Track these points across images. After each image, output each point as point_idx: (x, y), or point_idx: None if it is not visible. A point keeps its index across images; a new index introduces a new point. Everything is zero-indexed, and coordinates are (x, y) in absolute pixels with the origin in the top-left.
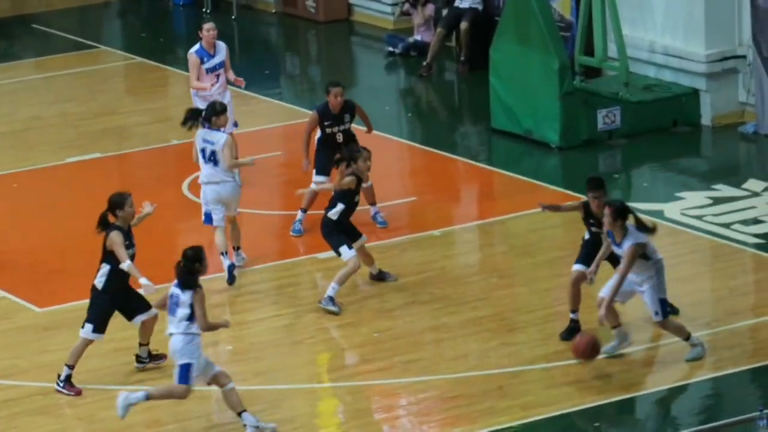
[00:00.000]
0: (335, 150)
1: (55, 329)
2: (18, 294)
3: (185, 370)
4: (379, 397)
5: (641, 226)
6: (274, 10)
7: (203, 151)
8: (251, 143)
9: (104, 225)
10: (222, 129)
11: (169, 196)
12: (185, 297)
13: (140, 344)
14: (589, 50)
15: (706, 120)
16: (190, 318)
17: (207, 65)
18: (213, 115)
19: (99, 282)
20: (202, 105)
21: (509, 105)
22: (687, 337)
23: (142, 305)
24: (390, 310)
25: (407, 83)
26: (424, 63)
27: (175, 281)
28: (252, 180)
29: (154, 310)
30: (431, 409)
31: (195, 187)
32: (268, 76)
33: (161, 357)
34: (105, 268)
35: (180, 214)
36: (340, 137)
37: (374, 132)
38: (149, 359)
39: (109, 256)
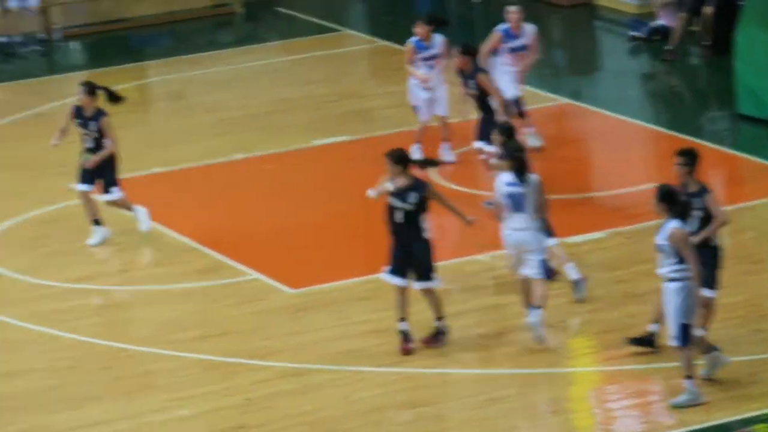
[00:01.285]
0: None
1: (308, 310)
2: (270, 275)
3: (545, 265)
4: (634, 382)
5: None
6: None
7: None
8: None
9: None
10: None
11: None
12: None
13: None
14: None
15: None
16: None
17: (510, 44)
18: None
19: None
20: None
21: (755, 90)
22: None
23: None
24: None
25: (651, 67)
26: (668, 47)
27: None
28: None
29: None
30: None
31: (443, 170)
32: None
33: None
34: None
35: None
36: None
37: (616, 116)
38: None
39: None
